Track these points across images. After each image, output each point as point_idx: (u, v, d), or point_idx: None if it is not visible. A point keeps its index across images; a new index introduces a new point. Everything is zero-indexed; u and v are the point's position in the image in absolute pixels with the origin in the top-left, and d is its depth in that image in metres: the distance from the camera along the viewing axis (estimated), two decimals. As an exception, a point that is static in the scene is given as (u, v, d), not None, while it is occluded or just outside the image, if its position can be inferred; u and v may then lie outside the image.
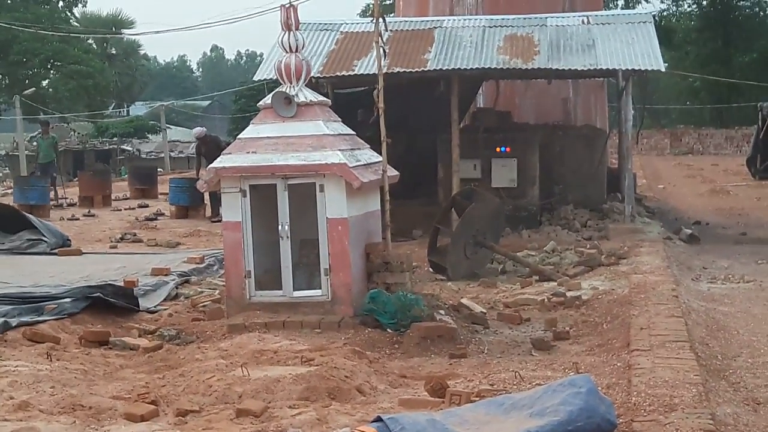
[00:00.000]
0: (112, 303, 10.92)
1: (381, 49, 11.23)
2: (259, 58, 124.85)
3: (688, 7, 66.25)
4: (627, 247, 16.27)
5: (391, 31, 18.56)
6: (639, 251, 15.80)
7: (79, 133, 62.53)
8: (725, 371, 8.28)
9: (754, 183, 32.86)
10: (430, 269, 14.86)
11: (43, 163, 27.84)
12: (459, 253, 14.58)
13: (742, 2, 63.73)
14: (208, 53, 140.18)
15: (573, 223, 18.99)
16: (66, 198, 27.96)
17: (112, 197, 28.18)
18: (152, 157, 57.59)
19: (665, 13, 64.25)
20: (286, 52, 10.48)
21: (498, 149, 19.19)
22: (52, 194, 26.13)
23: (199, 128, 25.31)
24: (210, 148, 22.58)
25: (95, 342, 9.62)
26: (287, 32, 10.43)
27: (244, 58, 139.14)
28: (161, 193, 29.26)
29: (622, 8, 58.60)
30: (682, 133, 59.04)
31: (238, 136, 10.62)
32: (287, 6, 10.46)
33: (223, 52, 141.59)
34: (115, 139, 61.25)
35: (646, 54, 18.55)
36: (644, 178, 34.21)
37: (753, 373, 8.29)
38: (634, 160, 21.24)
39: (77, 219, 23.28)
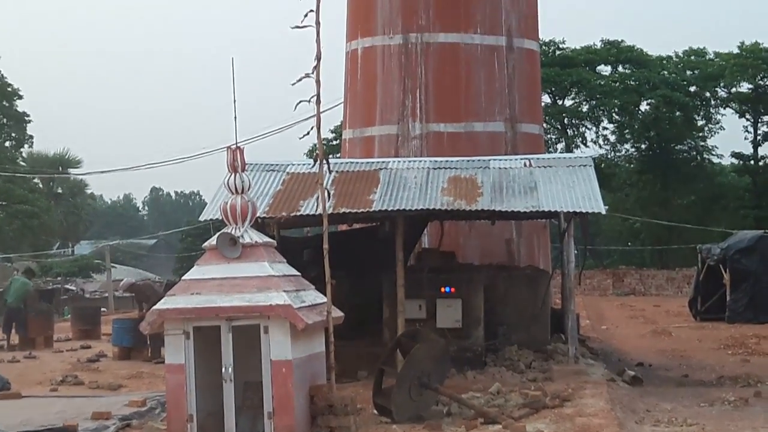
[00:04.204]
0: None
1: (326, 191, 11.38)
2: (197, 197, 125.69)
3: (627, 151, 67.73)
4: (571, 389, 16.27)
5: (336, 172, 18.78)
6: (583, 393, 15.82)
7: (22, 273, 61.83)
8: None
9: (695, 324, 33.22)
10: (375, 411, 14.71)
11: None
12: (404, 395, 14.47)
13: (679, 146, 65.30)
14: (150, 194, 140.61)
15: (517, 364, 18.99)
16: (6, 339, 27.54)
17: (54, 338, 27.78)
18: (96, 296, 57.06)
19: (605, 157, 65.62)
20: (232, 193, 10.59)
21: (443, 289, 19.26)
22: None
23: (124, 281, 25.41)
24: (147, 295, 22.83)
25: (31, 488, 9.39)
26: (233, 174, 10.56)
27: (183, 198, 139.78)
28: (104, 334, 28.87)
29: (562, 152, 59.83)
30: (624, 273, 59.75)
31: (183, 277, 10.63)
32: (234, 148, 10.62)
33: (164, 192, 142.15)
34: (59, 278, 60.68)
35: (586, 197, 18.89)
36: (587, 318, 34.41)
37: None
38: (577, 300, 21.39)
39: (18, 361, 22.90)
